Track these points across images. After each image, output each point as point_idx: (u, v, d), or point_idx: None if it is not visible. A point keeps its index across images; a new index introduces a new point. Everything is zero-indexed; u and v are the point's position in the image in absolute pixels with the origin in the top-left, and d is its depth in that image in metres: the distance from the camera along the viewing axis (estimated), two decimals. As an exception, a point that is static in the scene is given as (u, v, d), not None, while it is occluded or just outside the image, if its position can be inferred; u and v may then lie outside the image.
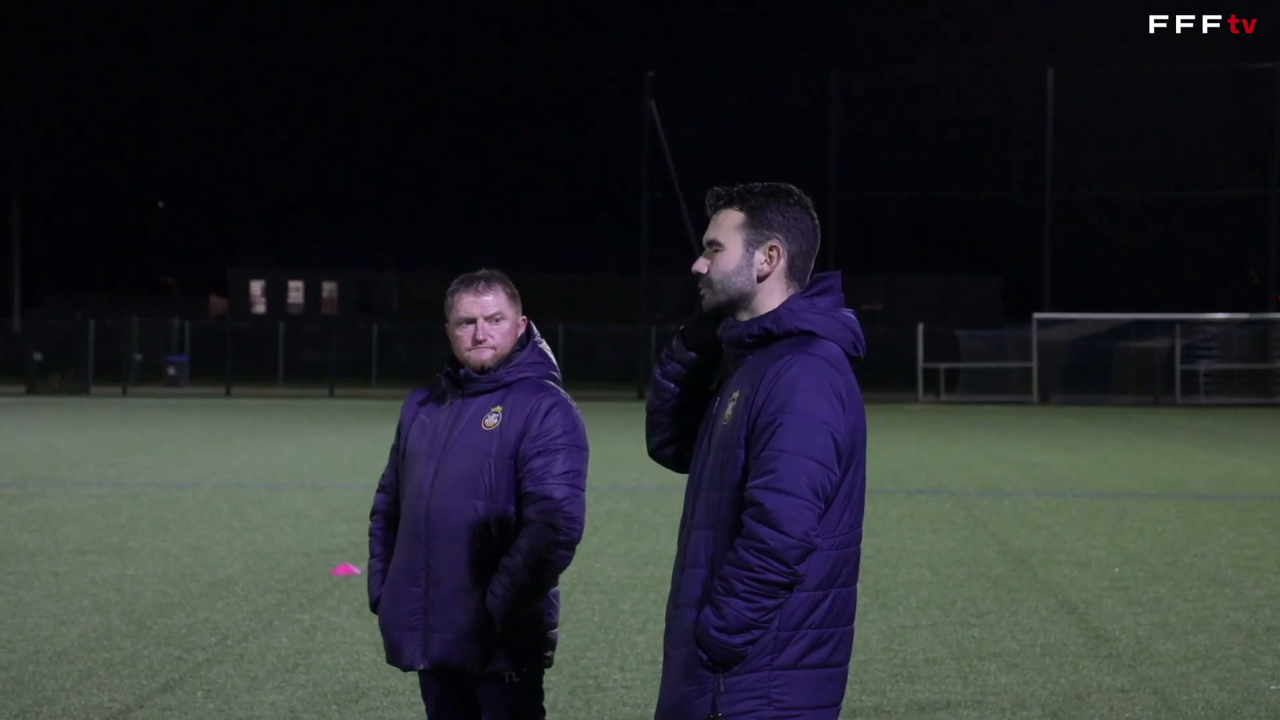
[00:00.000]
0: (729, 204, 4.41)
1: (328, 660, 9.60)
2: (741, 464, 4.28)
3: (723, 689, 4.23)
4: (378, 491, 5.74)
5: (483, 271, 5.59)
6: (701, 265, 4.43)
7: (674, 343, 4.61)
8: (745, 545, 4.17)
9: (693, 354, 4.56)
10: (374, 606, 5.60)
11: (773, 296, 4.37)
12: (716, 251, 4.40)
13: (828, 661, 4.27)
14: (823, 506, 4.20)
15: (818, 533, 4.19)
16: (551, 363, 5.60)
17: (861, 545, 4.41)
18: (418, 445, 5.55)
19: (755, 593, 4.16)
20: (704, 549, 4.33)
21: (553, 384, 5.54)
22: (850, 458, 4.27)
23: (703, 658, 4.24)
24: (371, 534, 5.71)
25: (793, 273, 4.38)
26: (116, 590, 12.07)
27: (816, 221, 4.43)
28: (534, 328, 5.62)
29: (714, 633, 4.20)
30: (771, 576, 4.15)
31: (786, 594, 4.19)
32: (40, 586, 12.18)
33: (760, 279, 4.37)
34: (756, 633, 4.19)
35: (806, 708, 4.24)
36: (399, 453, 5.65)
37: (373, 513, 5.72)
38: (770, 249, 4.36)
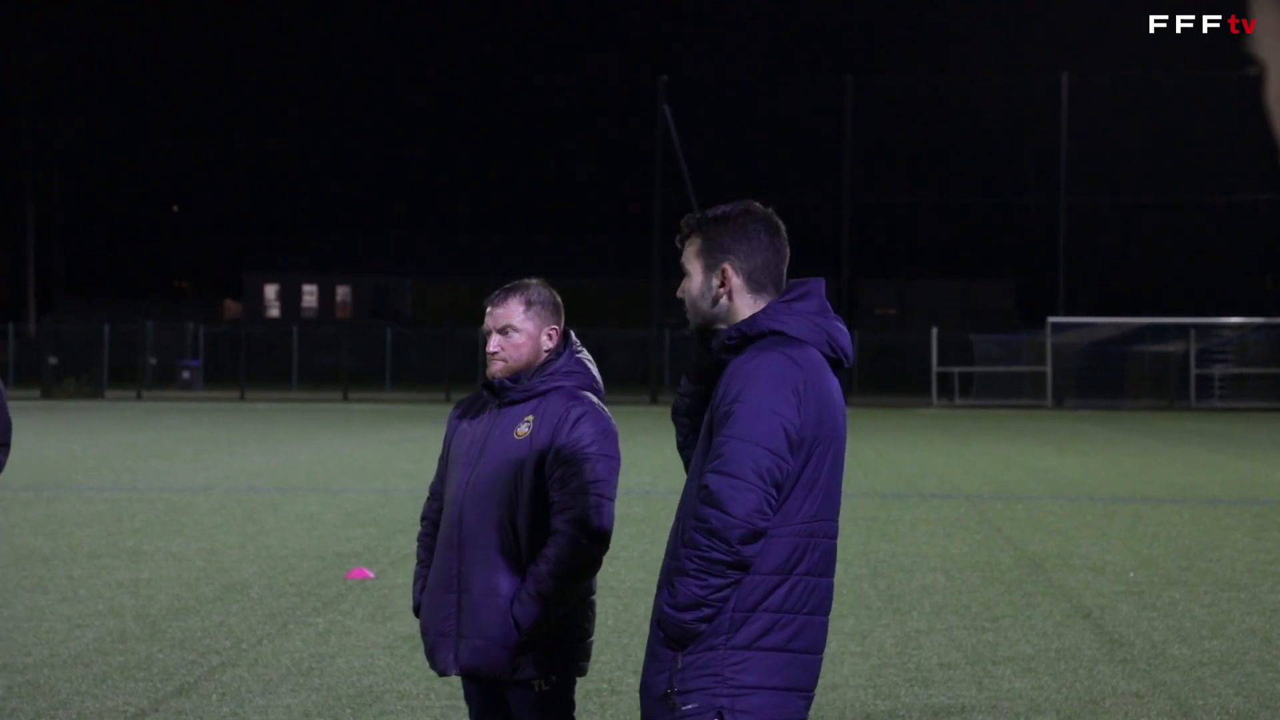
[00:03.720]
0: (691, 233, 4.67)
1: (342, 664, 9.61)
2: (706, 454, 4.47)
3: (679, 666, 4.38)
4: (428, 499, 5.78)
5: (523, 281, 5.61)
6: (680, 291, 4.71)
7: (682, 379, 4.82)
8: (694, 525, 4.35)
9: (697, 386, 4.75)
10: (416, 611, 5.64)
11: (742, 311, 4.58)
12: (686, 278, 4.67)
13: (786, 646, 4.39)
14: (771, 490, 4.33)
15: (765, 516, 4.32)
16: (590, 374, 5.59)
17: (836, 540, 4.54)
18: (456, 453, 5.59)
19: (702, 570, 4.32)
20: (675, 535, 4.51)
21: (588, 394, 5.53)
22: (810, 449, 4.40)
23: (660, 635, 4.41)
24: (419, 539, 5.76)
25: (754, 286, 4.58)
26: (131, 594, 12.09)
27: (776, 232, 4.61)
28: (573, 337, 5.62)
29: (666, 609, 4.37)
30: (716, 555, 4.31)
31: (736, 574, 4.33)
32: (55, 590, 12.20)
33: (716, 301, 4.59)
34: (707, 610, 4.34)
35: (760, 688, 4.36)
36: (443, 460, 5.68)
37: (421, 518, 5.76)
38: (722, 272, 4.59)
